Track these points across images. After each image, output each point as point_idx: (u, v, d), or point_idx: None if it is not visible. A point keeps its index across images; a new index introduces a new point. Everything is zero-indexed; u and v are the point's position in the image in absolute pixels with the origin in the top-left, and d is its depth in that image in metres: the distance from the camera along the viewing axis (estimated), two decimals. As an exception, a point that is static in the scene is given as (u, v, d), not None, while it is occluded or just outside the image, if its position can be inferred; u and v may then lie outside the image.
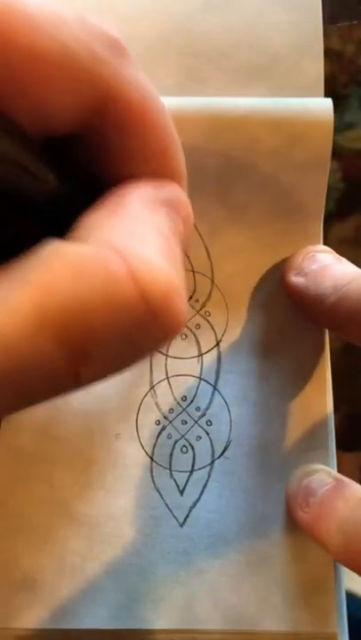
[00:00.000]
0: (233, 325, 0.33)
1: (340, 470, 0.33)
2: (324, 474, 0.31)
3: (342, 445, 0.35)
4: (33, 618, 0.31)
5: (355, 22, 0.38)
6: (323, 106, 0.32)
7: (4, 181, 0.16)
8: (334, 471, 0.32)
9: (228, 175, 0.32)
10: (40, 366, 0.15)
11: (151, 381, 0.33)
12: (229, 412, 0.33)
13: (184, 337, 0.33)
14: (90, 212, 0.17)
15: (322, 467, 0.32)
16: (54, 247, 0.16)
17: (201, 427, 0.33)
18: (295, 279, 0.32)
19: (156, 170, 0.19)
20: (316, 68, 0.34)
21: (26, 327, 0.15)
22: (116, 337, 0.16)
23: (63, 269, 0.15)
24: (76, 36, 0.16)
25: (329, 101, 0.32)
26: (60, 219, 0.18)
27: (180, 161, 0.20)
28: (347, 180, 0.41)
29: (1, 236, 0.18)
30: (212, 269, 0.33)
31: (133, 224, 0.17)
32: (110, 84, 0.17)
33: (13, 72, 0.15)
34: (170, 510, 0.32)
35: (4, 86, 0.15)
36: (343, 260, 0.32)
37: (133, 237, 0.16)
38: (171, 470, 0.33)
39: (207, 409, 0.33)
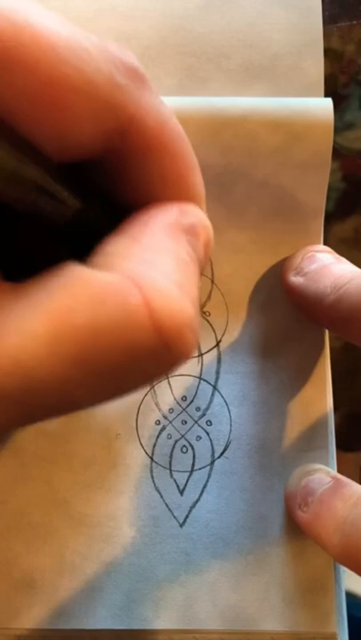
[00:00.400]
0: (233, 325, 0.33)
1: (340, 470, 0.33)
2: (323, 473, 0.31)
3: (342, 445, 0.35)
4: (33, 618, 0.31)
5: (355, 22, 0.38)
6: (323, 105, 0.32)
7: (26, 203, 0.17)
8: (334, 471, 0.32)
9: (228, 175, 0.32)
10: (53, 389, 0.15)
11: (151, 381, 0.33)
12: (229, 411, 0.33)
13: None
14: (112, 238, 0.18)
15: (321, 466, 0.32)
16: (75, 272, 0.16)
17: (201, 427, 0.33)
18: (294, 279, 0.32)
19: (178, 193, 0.20)
20: (316, 68, 0.33)
21: (42, 352, 0.15)
22: (127, 364, 0.16)
23: (83, 296, 0.16)
24: (97, 65, 0.17)
25: (329, 101, 0.32)
26: (80, 241, 0.18)
27: (200, 184, 0.21)
28: (347, 180, 0.40)
29: (23, 254, 0.18)
30: (212, 269, 0.33)
31: (153, 253, 0.17)
32: (130, 111, 0.18)
33: (36, 100, 0.16)
34: (170, 510, 0.32)
35: (27, 113, 0.16)
36: (343, 259, 0.32)
37: (152, 267, 0.17)
38: (171, 470, 0.33)
39: (207, 409, 0.33)
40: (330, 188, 0.33)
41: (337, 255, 0.32)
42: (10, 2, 0.15)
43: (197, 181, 0.21)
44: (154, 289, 0.16)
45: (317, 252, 0.32)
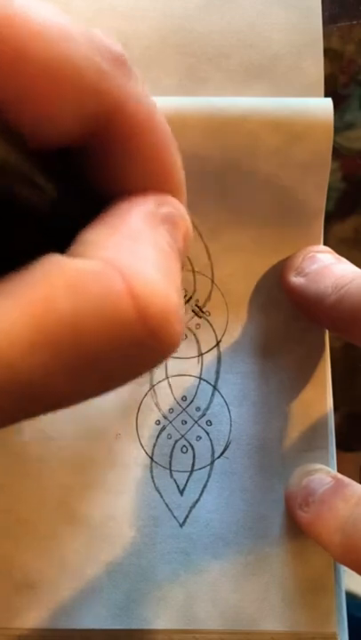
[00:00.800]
0: (233, 325, 0.33)
1: (340, 470, 0.33)
2: (323, 473, 0.31)
3: (342, 445, 0.35)
4: (33, 618, 0.31)
5: (355, 22, 0.38)
6: (323, 105, 0.32)
7: (3, 192, 0.16)
8: (334, 471, 0.32)
9: (228, 175, 0.32)
10: (37, 382, 0.15)
11: (151, 381, 0.33)
12: (229, 411, 0.33)
13: (184, 337, 0.33)
14: (91, 227, 0.17)
15: (321, 466, 0.32)
16: (54, 262, 0.16)
17: (201, 427, 0.33)
18: (295, 279, 0.32)
19: (157, 185, 0.19)
20: (316, 68, 0.33)
21: (23, 343, 0.15)
22: (113, 354, 0.16)
23: (62, 285, 0.15)
24: (82, 52, 0.16)
25: (329, 101, 0.32)
26: (60, 231, 0.18)
27: (181, 176, 0.20)
28: (347, 179, 0.40)
29: (3, 247, 0.18)
30: (212, 269, 0.33)
31: (134, 241, 0.17)
32: (114, 99, 0.17)
33: (19, 85, 0.15)
34: (170, 510, 0.32)
35: (9, 97, 0.16)
36: (343, 260, 0.32)
37: (134, 255, 0.16)
38: (171, 470, 0.33)
39: (207, 409, 0.33)
40: (330, 188, 0.33)
41: (337, 255, 0.32)
42: None
43: (178, 173, 0.20)
44: (137, 275, 0.16)
45: (318, 252, 0.32)
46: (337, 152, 0.39)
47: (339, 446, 0.34)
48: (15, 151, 0.16)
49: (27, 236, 0.18)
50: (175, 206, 0.20)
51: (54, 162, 0.18)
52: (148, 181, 0.19)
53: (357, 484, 0.30)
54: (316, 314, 0.31)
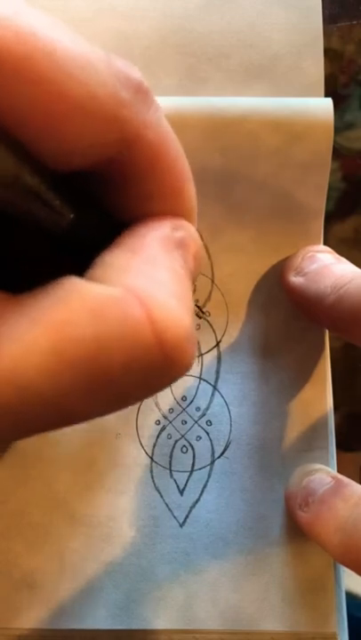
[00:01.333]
0: (233, 325, 0.33)
1: (340, 470, 0.33)
2: (323, 473, 0.31)
3: (342, 445, 0.35)
4: (33, 618, 0.31)
5: (355, 22, 0.38)
6: (323, 105, 0.32)
7: (22, 212, 0.17)
8: (334, 471, 0.32)
9: (228, 174, 0.32)
10: (51, 401, 0.15)
11: (151, 381, 0.33)
12: (229, 411, 0.33)
13: None
14: (109, 251, 0.18)
15: (321, 466, 0.32)
16: (74, 286, 0.16)
17: (201, 427, 0.33)
18: (295, 279, 0.32)
19: (172, 209, 0.20)
20: (316, 68, 0.33)
21: (41, 364, 0.15)
22: (129, 378, 0.16)
23: (82, 309, 0.16)
24: (102, 80, 0.17)
25: (329, 101, 0.32)
26: (79, 252, 0.19)
27: (193, 199, 0.21)
28: (347, 179, 0.40)
29: (23, 265, 0.18)
30: (212, 269, 0.33)
31: (151, 266, 0.18)
32: (132, 127, 0.18)
33: (38, 111, 0.16)
34: (170, 510, 0.32)
35: (29, 122, 0.16)
36: (343, 259, 0.32)
37: (151, 280, 0.17)
38: (171, 470, 0.33)
39: (207, 409, 0.33)
40: (330, 188, 0.33)
41: (337, 255, 0.32)
42: (16, 13, 0.15)
43: (192, 196, 0.21)
44: (155, 302, 0.16)
45: (318, 252, 0.32)
46: (337, 152, 0.39)
47: (339, 446, 0.34)
48: (31, 172, 0.16)
49: (47, 255, 0.18)
50: (188, 230, 0.20)
51: (73, 185, 0.18)
52: (164, 206, 0.20)
53: (357, 484, 0.30)
54: (315, 313, 0.31)
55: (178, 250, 0.19)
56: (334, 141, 0.32)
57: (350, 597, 0.34)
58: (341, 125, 0.39)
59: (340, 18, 0.37)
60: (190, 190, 0.21)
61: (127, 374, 0.16)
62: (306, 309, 0.32)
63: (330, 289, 0.30)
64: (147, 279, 0.17)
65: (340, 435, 0.34)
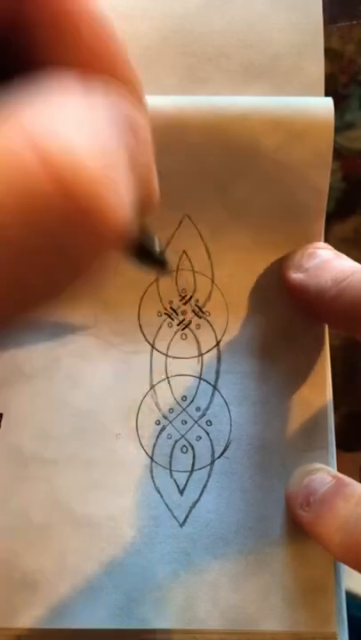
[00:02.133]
0: (233, 325, 0.33)
1: (340, 470, 0.33)
2: (324, 473, 0.31)
3: (342, 445, 0.35)
4: (33, 617, 0.31)
5: (355, 22, 0.38)
6: (324, 105, 0.32)
7: None
8: (334, 470, 0.32)
9: (228, 174, 0.32)
10: None
11: (151, 381, 0.33)
12: (229, 411, 0.33)
13: (184, 337, 0.33)
14: (4, 94, 0.15)
15: (322, 466, 0.32)
16: None
17: (201, 427, 0.33)
18: (295, 275, 0.32)
19: (94, 64, 0.17)
20: (316, 67, 0.33)
21: None
22: (38, 241, 0.13)
23: None
24: None
25: (330, 100, 0.32)
26: None
27: (129, 62, 0.18)
28: (347, 179, 0.41)
29: None
30: (212, 269, 0.33)
31: (58, 109, 0.14)
32: None
33: None
34: (170, 510, 0.32)
35: None
36: (343, 255, 0.32)
37: (53, 121, 0.14)
38: (171, 470, 0.33)
39: (207, 409, 0.33)
40: (330, 188, 0.33)
41: (337, 251, 0.32)
42: None
43: (123, 55, 0.18)
44: (53, 141, 0.13)
45: (317, 248, 0.32)
46: (337, 152, 0.39)
47: (339, 446, 0.34)
48: None
49: None
50: (124, 96, 0.17)
51: None
52: (81, 56, 0.17)
53: (358, 484, 0.30)
54: (316, 309, 0.31)
55: (105, 109, 0.15)
56: (334, 141, 0.32)
57: (350, 597, 0.34)
58: (341, 125, 0.39)
59: (341, 18, 0.37)
60: (118, 47, 0.18)
61: (34, 235, 0.13)
62: (306, 305, 0.32)
63: (330, 282, 0.30)
64: (47, 120, 0.14)
65: (341, 434, 0.34)
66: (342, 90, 0.39)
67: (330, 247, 0.33)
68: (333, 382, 0.34)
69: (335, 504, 0.29)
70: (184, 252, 0.33)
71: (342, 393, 0.34)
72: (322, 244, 0.33)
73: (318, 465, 0.32)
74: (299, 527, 0.31)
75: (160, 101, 0.32)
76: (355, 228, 0.41)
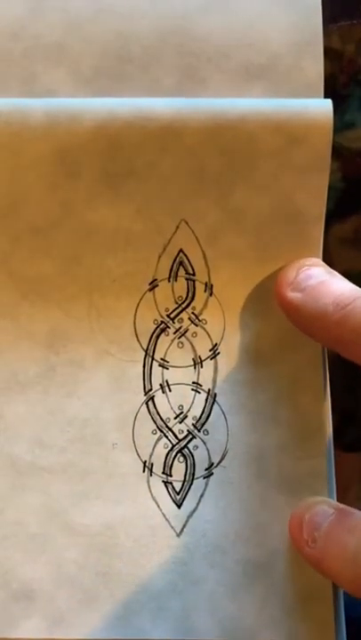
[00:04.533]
0: (230, 333, 0.33)
1: (339, 470, 0.33)
2: (325, 505, 0.31)
3: (342, 445, 0.35)
4: (30, 628, 0.31)
5: (355, 22, 0.37)
6: (322, 107, 0.32)
7: None
8: (334, 500, 0.32)
9: (226, 177, 0.32)
10: None
11: (147, 390, 0.33)
12: (226, 420, 0.33)
13: (181, 345, 0.33)
14: None
15: (322, 498, 0.31)
16: None
17: (198, 436, 0.33)
18: (292, 295, 0.31)
19: None
20: (315, 67, 0.33)
21: None
22: None
23: None
24: None
25: (329, 103, 0.32)
26: None
27: None
28: (347, 179, 0.40)
29: None
30: (209, 276, 0.33)
31: None
32: None
33: None
34: (166, 520, 0.32)
35: None
36: (336, 274, 0.32)
37: None
38: (167, 480, 0.32)
39: (204, 418, 0.33)
40: (330, 188, 0.33)
41: (329, 268, 0.32)
42: None
43: None
44: None
45: (311, 266, 0.32)
46: (337, 152, 0.38)
47: (339, 446, 0.34)
48: None
49: None
50: None
51: None
52: None
53: (359, 512, 0.29)
54: (314, 330, 0.31)
55: None
56: (334, 141, 0.32)
57: (350, 597, 0.34)
58: (341, 125, 0.39)
59: (341, 18, 0.37)
60: None
61: None
62: (303, 326, 0.32)
63: (331, 307, 0.30)
64: None
65: (340, 435, 0.34)
66: (342, 90, 0.39)
67: (322, 264, 0.32)
68: (333, 382, 0.33)
69: (341, 538, 0.28)
70: (181, 257, 0.33)
71: (342, 393, 0.34)
72: (314, 260, 0.32)
73: (318, 498, 0.31)
74: (308, 564, 0.30)
75: (157, 103, 0.31)
76: (355, 228, 0.41)
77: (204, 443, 0.33)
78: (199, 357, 0.33)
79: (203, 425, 0.33)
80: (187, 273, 0.33)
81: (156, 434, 0.33)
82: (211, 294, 0.33)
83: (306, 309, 0.31)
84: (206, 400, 0.33)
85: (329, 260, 0.34)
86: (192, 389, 0.33)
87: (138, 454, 0.33)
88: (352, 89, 0.38)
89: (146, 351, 0.33)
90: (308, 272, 0.31)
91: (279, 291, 0.32)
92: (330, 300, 0.30)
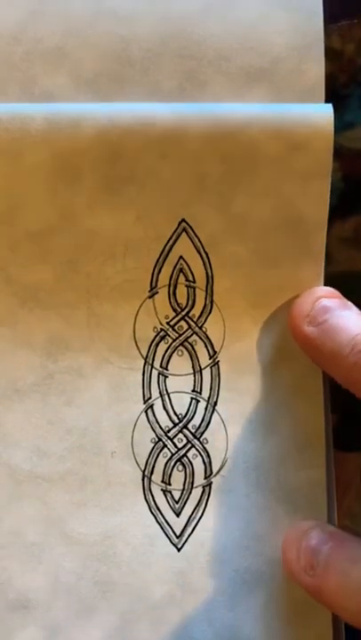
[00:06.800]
0: (230, 342, 0.33)
1: (339, 470, 0.33)
2: (318, 531, 0.30)
3: (342, 446, 0.35)
4: (27, 638, 0.31)
5: (355, 22, 0.37)
6: (323, 113, 0.31)
7: None
8: (327, 525, 0.31)
9: (228, 183, 0.32)
10: None
11: (147, 398, 0.33)
12: (226, 429, 0.33)
13: (180, 353, 0.33)
14: None
15: (314, 522, 0.31)
16: None
17: (197, 445, 0.33)
18: (309, 330, 0.31)
19: None
20: (317, 70, 0.33)
21: None
22: None
23: None
24: None
25: (330, 108, 0.32)
26: None
27: None
28: (347, 180, 0.40)
29: None
30: (210, 283, 0.33)
31: None
32: None
33: None
34: (165, 529, 0.32)
35: None
36: (351, 305, 0.32)
37: None
38: (166, 489, 0.32)
39: (203, 427, 0.33)
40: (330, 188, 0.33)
41: (343, 299, 0.32)
42: None
43: None
44: None
45: (326, 297, 0.32)
46: (337, 152, 0.38)
47: (338, 446, 0.34)
48: None
49: None
50: None
51: None
52: None
53: (356, 538, 0.29)
54: (328, 368, 0.31)
55: None
56: (334, 141, 0.32)
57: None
58: (341, 125, 0.39)
59: (340, 17, 0.37)
60: None
61: None
62: (319, 361, 0.32)
63: (348, 349, 0.29)
64: None
65: (340, 435, 0.34)
66: (342, 90, 0.38)
67: (337, 294, 0.32)
68: (333, 381, 0.33)
69: (341, 568, 0.28)
70: (181, 265, 0.33)
71: (342, 393, 0.33)
72: (328, 290, 0.32)
73: (311, 522, 0.31)
74: (307, 593, 0.30)
75: (158, 109, 0.31)
76: (355, 228, 0.41)
77: (204, 452, 0.33)
78: (199, 365, 0.33)
79: (202, 434, 0.33)
80: (187, 280, 0.33)
81: (155, 442, 0.33)
82: (211, 302, 0.33)
83: (322, 346, 0.30)
84: (206, 409, 0.33)
85: (329, 259, 0.34)
86: (191, 398, 0.33)
87: (137, 463, 0.32)
88: (352, 89, 0.38)
89: (145, 359, 0.33)
90: (323, 304, 0.31)
91: (295, 324, 0.32)
92: (346, 340, 0.30)
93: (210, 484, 0.32)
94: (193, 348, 0.33)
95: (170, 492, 0.32)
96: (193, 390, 0.33)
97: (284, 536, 0.31)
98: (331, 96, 0.32)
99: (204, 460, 0.33)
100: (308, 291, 0.32)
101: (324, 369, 0.32)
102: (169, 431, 0.33)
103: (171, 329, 0.33)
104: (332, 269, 0.33)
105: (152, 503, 0.32)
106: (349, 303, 0.32)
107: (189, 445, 0.33)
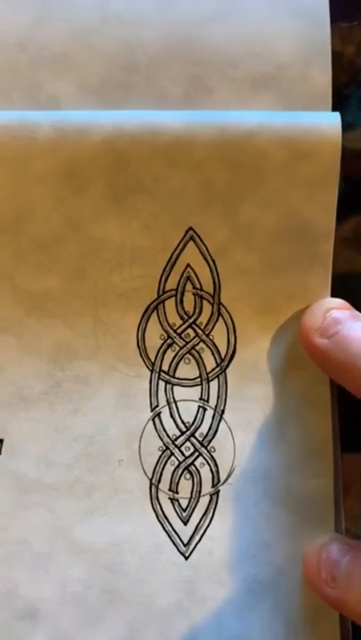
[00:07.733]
0: (237, 350, 0.33)
1: (340, 471, 0.33)
2: (337, 542, 0.30)
3: (342, 446, 0.35)
4: None
5: (355, 23, 0.37)
6: (331, 122, 0.31)
7: None
8: (345, 537, 0.31)
9: (235, 192, 0.32)
10: None
11: (154, 407, 0.33)
12: (233, 438, 0.33)
13: (188, 361, 0.33)
14: None
15: (331, 534, 0.31)
16: None
17: (204, 453, 0.33)
18: (321, 342, 0.31)
19: None
20: (323, 77, 0.33)
21: None
22: None
23: None
24: None
25: (337, 116, 0.32)
26: None
27: None
28: (347, 179, 0.40)
29: None
30: (217, 291, 0.33)
31: None
32: None
33: None
34: (173, 537, 0.32)
35: None
36: (357, 314, 0.32)
37: None
38: (174, 497, 0.32)
39: (211, 435, 0.33)
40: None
41: (353, 310, 0.32)
42: None
43: None
44: None
45: (336, 308, 0.32)
46: (337, 152, 0.38)
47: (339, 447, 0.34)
48: None
49: None
50: None
51: None
52: None
53: None
54: (341, 379, 0.31)
55: None
56: (334, 142, 0.31)
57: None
58: (342, 126, 0.39)
59: (341, 19, 0.37)
60: None
61: None
62: (331, 373, 0.32)
63: (359, 358, 0.29)
64: None
65: (340, 435, 0.34)
66: (342, 90, 0.38)
67: (347, 305, 0.32)
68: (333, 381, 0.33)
69: None
70: (188, 273, 0.33)
71: (343, 393, 0.33)
72: (338, 301, 0.32)
73: (328, 535, 0.31)
74: (329, 605, 0.30)
75: (166, 117, 0.31)
76: (355, 228, 0.41)
77: (211, 460, 0.33)
78: (206, 373, 0.33)
79: (209, 442, 0.33)
80: (194, 288, 0.33)
81: (162, 451, 0.33)
82: (218, 310, 0.33)
83: (334, 358, 0.31)
84: (213, 417, 0.33)
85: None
86: (199, 406, 0.33)
87: (144, 471, 0.32)
88: (352, 89, 0.38)
89: (152, 367, 0.33)
90: (334, 316, 0.31)
91: (306, 336, 0.32)
92: (358, 351, 0.30)
93: (217, 493, 0.32)
94: (200, 356, 0.33)
95: (177, 501, 0.32)
96: (200, 398, 0.33)
97: (303, 550, 0.31)
98: (331, 96, 0.33)
99: (211, 469, 0.33)
100: (318, 302, 0.32)
101: (337, 380, 0.32)
102: (176, 439, 0.33)
103: (178, 337, 0.33)
104: (332, 270, 0.33)
105: (159, 511, 0.32)
106: (357, 313, 0.32)
107: (197, 454, 0.33)
